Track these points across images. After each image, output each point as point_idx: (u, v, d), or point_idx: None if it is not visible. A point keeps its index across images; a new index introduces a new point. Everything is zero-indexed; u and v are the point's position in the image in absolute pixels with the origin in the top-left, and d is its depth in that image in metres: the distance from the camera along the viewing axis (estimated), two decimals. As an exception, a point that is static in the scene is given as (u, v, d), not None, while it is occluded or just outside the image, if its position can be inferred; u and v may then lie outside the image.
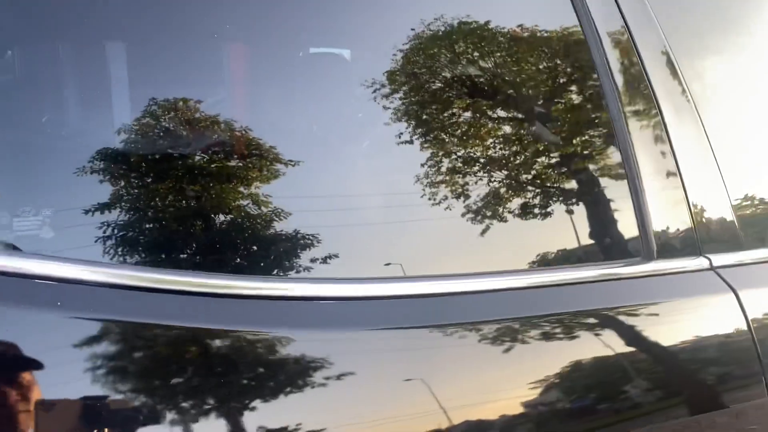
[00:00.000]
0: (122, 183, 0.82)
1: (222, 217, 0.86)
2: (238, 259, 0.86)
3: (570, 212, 1.09)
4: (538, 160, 1.10)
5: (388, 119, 0.99)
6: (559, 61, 1.19)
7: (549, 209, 1.07)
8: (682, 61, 1.23)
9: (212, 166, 0.87)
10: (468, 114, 1.06)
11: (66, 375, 0.67)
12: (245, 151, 0.89)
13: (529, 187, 1.06)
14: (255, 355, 0.75)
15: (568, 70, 1.20)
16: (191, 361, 0.72)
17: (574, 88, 1.20)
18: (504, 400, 0.88)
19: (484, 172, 1.03)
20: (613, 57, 1.16)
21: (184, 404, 0.70)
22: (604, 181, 1.14)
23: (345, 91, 1.03)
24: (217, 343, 0.74)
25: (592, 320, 0.99)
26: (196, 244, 0.84)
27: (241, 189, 0.87)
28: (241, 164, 0.88)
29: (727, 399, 1.05)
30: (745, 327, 1.07)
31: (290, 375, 0.75)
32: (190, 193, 0.84)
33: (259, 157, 0.89)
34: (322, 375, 0.76)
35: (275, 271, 0.86)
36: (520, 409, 0.88)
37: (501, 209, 1.03)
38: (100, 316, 0.70)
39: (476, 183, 1.01)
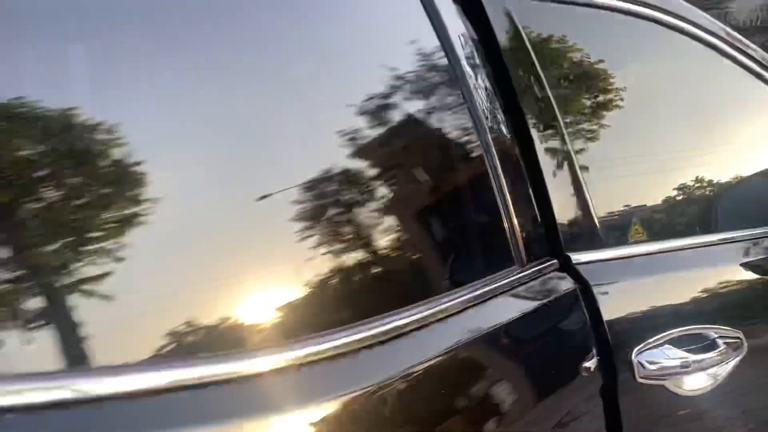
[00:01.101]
0: None
1: None
2: None
3: (435, 234, 1.13)
4: (390, 181, 1.06)
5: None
6: (421, 71, 1.21)
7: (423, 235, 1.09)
8: (543, 65, 1.30)
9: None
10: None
11: None
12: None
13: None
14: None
15: (430, 80, 1.22)
16: None
17: (433, 98, 1.20)
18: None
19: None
20: (474, 62, 1.20)
21: None
22: (474, 197, 1.18)
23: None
24: None
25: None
26: None
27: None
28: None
29: (579, 388, 1.14)
30: (596, 320, 1.17)
31: None
32: None
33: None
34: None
35: None
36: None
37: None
38: None
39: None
